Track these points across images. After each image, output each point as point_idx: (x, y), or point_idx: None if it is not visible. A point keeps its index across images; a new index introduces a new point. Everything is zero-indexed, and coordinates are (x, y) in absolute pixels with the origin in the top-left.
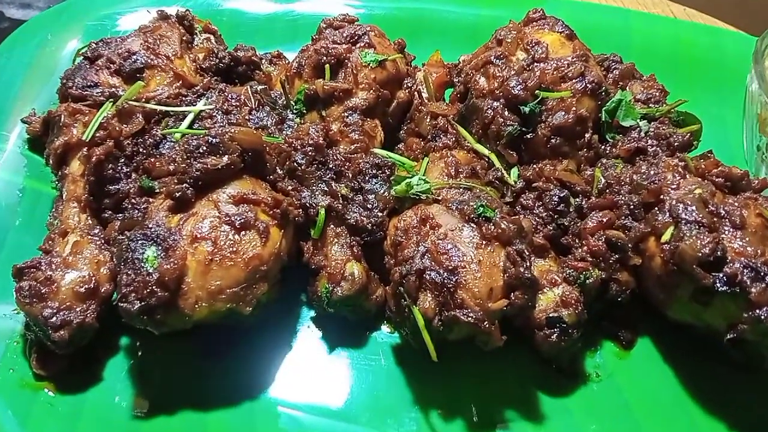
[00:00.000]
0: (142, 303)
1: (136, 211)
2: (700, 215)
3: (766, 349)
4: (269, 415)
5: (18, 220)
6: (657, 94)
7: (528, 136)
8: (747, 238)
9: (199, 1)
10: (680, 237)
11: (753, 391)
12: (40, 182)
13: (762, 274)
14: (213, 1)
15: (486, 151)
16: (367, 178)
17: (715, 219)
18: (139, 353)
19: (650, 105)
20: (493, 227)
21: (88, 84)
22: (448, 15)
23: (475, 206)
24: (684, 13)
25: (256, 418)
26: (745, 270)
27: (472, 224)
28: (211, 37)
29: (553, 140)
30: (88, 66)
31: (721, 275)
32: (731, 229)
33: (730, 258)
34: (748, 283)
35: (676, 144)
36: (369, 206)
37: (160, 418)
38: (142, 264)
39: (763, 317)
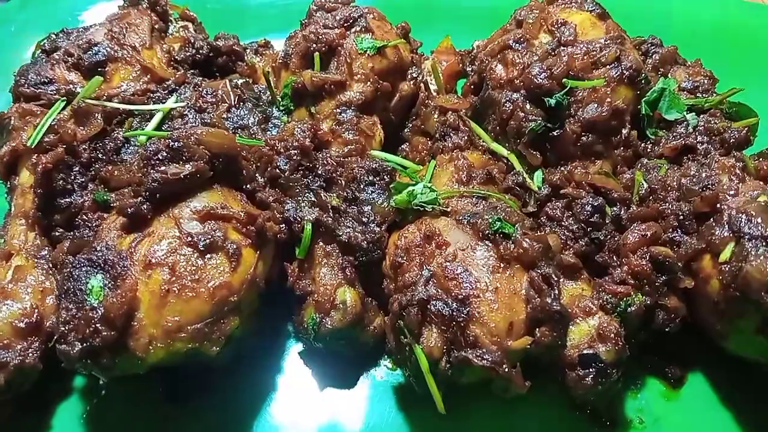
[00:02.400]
0: (84, 344)
1: (88, 230)
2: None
3: None
4: None
5: None
6: (705, 81)
7: (554, 133)
8: None
9: None
10: (743, 256)
11: None
12: None
13: None
14: None
15: (504, 152)
16: (362, 186)
17: None
18: (103, 392)
19: (698, 95)
20: (512, 246)
21: (42, 80)
22: None
23: (490, 220)
24: None
25: None
26: None
27: (488, 242)
28: (189, 25)
29: (584, 138)
30: (44, 60)
31: None
32: None
33: None
34: None
35: (731, 141)
36: (364, 220)
37: None
38: (86, 296)
39: None
